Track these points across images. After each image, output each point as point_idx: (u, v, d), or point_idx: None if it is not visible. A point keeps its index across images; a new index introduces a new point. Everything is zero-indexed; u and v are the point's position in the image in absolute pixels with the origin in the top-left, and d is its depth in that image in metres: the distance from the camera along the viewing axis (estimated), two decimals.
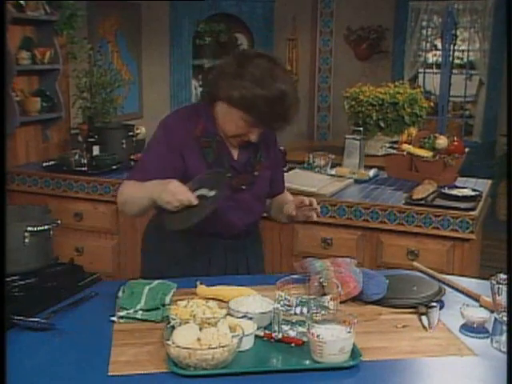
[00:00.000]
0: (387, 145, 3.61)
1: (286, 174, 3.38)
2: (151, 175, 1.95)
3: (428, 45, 6.64)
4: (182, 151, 2.01)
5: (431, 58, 6.98)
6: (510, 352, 1.35)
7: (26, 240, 1.85)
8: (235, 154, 2.08)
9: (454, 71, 6.75)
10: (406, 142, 3.47)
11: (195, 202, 1.79)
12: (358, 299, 1.76)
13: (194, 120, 2.03)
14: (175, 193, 1.80)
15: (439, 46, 6.69)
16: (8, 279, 1.81)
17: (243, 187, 2.07)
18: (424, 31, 6.51)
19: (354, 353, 1.42)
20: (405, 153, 3.39)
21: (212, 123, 2.02)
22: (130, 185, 2.02)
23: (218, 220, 2.03)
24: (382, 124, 4.15)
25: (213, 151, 2.02)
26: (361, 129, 3.68)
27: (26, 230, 1.85)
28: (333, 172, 3.43)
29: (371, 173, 3.45)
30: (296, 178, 3.23)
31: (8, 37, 3.61)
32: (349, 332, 1.41)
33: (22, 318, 1.59)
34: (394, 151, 3.48)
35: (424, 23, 6.45)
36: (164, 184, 1.84)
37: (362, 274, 1.79)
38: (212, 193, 1.84)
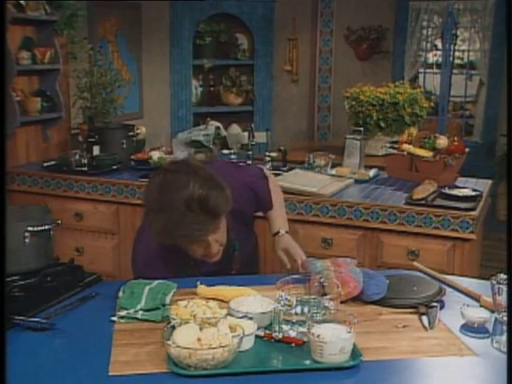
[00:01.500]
0: (387, 145, 3.61)
1: (286, 174, 3.41)
2: None
3: (428, 45, 6.63)
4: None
5: (431, 58, 6.97)
6: (510, 352, 1.35)
7: (27, 240, 1.86)
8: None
9: (454, 71, 6.75)
10: (406, 142, 3.47)
11: None
12: (359, 299, 1.76)
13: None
14: None
15: (439, 46, 6.69)
16: (8, 279, 1.81)
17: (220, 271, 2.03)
18: (424, 31, 6.51)
19: (355, 353, 1.42)
20: (405, 153, 3.39)
21: None
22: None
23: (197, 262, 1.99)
24: (383, 124, 4.15)
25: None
26: (361, 129, 3.68)
27: (27, 230, 1.85)
28: (333, 172, 3.43)
29: (371, 173, 3.45)
30: (296, 178, 3.23)
31: (8, 37, 3.61)
32: (349, 332, 1.41)
33: (22, 318, 1.60)
34: (395, 151, 3.48)
35: (424, 23, 6.45)
36: None
37: (362, 273, 1.78)
38: None
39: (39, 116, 3.94)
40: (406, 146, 3.40)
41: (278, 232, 2.23)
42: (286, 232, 2.24)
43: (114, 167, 3.66)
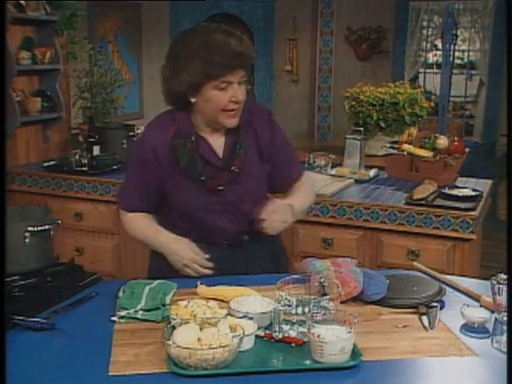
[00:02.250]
0: (387, 145, 3.61)
1: None
2: (136, 205, 2.05)
3: (428, 45, 6.64)
4: (157, 165, 1.97)
5: (431, 58, 6.98)
6: (511, 352, 1.35)
7: (27, 240, 1.85)
8: (218, 149, 1.99)
9: (454, 71, 6.75)
10: (406, 142, 3.47)
11: (204, 271, 1.91)
12: (359, 299, 1.76)
13: (165, 127, 1.98)
14: (183, 258, 1.92)
15: (439, 46, 6.69)
16: (8, 279, 1.80)
17: (220, 188, 1.96)
18: (424, 31, 6.51)
19: (355, 353, 1.42)
20: (405, 153, 3.39)
21: (186, 122, 1.97)
22: (136, 221, 2.06)
23: (205, 227, 2.00)
24: (383, 124, 4.15)
25: (186, 152, 1.94)
26: (361, 129, 3.68)
27: (27, 230, 1.85)
28: (333, 172, 3.43)
29: (371, 173, 3.45)
30: None
31: (8, 37, 3.61)
32: (349, 332, 1.41)
33: (22, 318, 1.59)
34: (395, 151, 3.48)
35: (424, 23, 6.45)
36: (175, 248, 1.94)
37: (362, 273, 1.78)
38: None
39: (39, 116, 3.94)
40: (406, 146, 3.41)
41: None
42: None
43: (115, 167, 3.66)
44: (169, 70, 1.99)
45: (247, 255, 2.05)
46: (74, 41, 4.10)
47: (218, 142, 1.99)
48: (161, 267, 2.02)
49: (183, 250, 1.93)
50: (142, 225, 2.06)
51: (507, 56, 1.65)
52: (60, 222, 1.99)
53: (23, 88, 3.92)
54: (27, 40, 3.88)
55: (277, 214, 1.92)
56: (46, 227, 1.90)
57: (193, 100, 1.92)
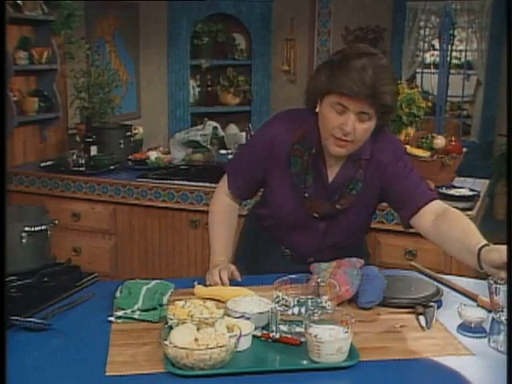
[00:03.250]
0: None
1: None
2: (237, 179, 2.01)
3: (426, 45, 6.64)
4: (267, 158, 1.91)
5: (429, 58, 6.98)
6: (510, 352, 1.35)
7: (24, 240, 1.86)
8: (331, 174, 1.88)
9: (451, 71, 6.75)
10: (403, 142, 3.47)
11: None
12: (355, 301, 1.76)
13: (294, 127, 1.89)
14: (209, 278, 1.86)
15: (437, 46, 6.69)
16: (5, 279, 1.80)
17: (315, 215, 1.90)
18: (422, 31, 6.52)
19: (352, 353, 1.42)
20: None
21: (313, 130, 1.84)
22: (221, 209, 2.05)
23: (285, 241, 2.00)
24: None
25: (302, 161, 1.86)
26: None
27: (24, 230, 1.86)
28: None
29: None
30: None
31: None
32: (346, 332, 1.41)
33: (19, 318, 1.59)
34: None
35: (422, 23, 6.46)
36: (214, 265, 1.91)
37: (361, 276, 1.77)
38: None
39: (36, 116, 3.94)
40: None
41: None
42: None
43: (112, 167, 3.66)
44: (316, 71, 1.85)
45: None
46: (72, 41, 4.10)
47: (334, 166, 1.89)
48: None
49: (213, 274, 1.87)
50: (216, 215, 2.05)
51: (507, 56, 1.65)
52: (57, 222, 1.99)
53: (20, 88, 3.91)
54: (24, 40, 3.88)
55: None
56: (43, 227, 1.91)
57: (316, 109, 1.81)
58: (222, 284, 1.81)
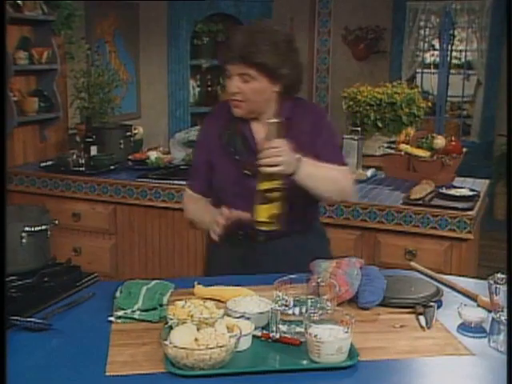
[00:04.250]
0: (385, 145, 3.62)
1: None
2: (197, 186, 2.17)
3: (426, 45, 6.64)
4: (209, 146, 2.11)
5: (429, 58, 6.98)
6: (510, 352, 1.35)
7: (24, 240, 1.85)
8: (258, 135, 2.02)
9: (451, 71, 6.75)
10: (403, 142, 3.47)
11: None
12: (355, 301, 1.76)
13: (221, 108, 2.11)
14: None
15: (437, 46, 6.69)
16: (5, 279, 1.80)
17: (247, 173, 1.99)
18: (422, 31, 6.52)
19: (352, 353, 1.42)
20: (402, 153, 3.39)
21: None
22: (191, 201, 2.18)
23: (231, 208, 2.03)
24: (380, 124, 4.15)
25: (229, 131, 2.05)
26: (359, 129, 3.68)
27: (24, 230, 1.85)
28: None
29: (369, 173, 3.45)
30: None
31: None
32: (346, 332, 1.41)
33: (19, 318, 1.59)
34: (392, 151, 3.49)
35: (422, 23, 6.46)
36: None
37: (361, 276, 1.77)
38: None
39: (36, 116, 3.94)
40: (403, 146, 3.41)
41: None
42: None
43: (112, 167, 3.66)
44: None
45: (261, 252, 2.06)
46: (72, 41, 4.10)
47: (260, 128, 2.02)
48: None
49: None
50: (193, 208, 2.18)
51: (507, 56, 1.66)
52: (57, 222, 1.99)
53: (20, 88, 3.91)
54: (24, 40, 3.88)
55: (276, 149, 1.79)
56: (43, 227, 1.90)
57: None
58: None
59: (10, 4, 3.64)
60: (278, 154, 1.78)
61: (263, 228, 1.85)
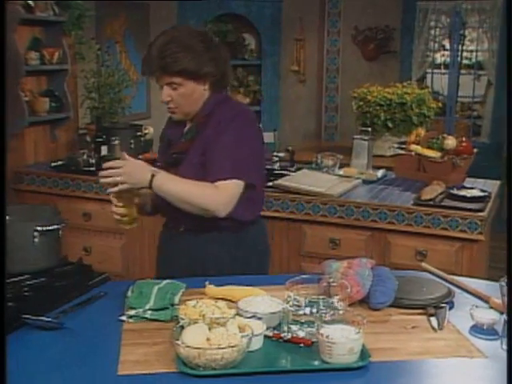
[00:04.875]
0: (395, 145, 3.61)
1: (293, 174, 3.40)
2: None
3: (436, 45, 6.61)
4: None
5: (439, 58, 6.95)
6: (510, 351, 1.34)
7: (36, 239, 1.86)
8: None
9: (462, 71, 6.72)
10: (414, 143, 3.46)
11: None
12: (366, 302, 1.76)
13: None
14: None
15: (447, 46, 6.66)
16: (17, 279, 1.81)
17: (158, 164, 2.12)
18: (432, 31, 6.49)
19: (363, 353, 1.42)
20: (413, 153, 3.38)
21: None
22: None
23: (159, 206, 2.14)
24: (390, 124, 4.15)
25: (164, 128, 2.25)
26: (369, 129, 3.67)
27: (36, 230, 1.86)
28: (341, 172, 3.42)
29: (379, 173, 3.44)
30: (304, 178, 3.23)
31: (17, 37, 3.62)
32: (358, 333, 1.41)
33: (31, 316, 1.60)
34: (403, 152, 3.48)
35: (432, 23, 6.43)
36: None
37: (373, 277, 1.77)
38: None
39: (47, 116, 3.95)
40: (413, 147, 3.40)
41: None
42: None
43: None
44: None
45: (184, 243, 2.12)
46: (82, 41, 4.11)
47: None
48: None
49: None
50: None
51: (507, 56, 1.66)
52: (68, 221, 2.00)
53: (31, 88, 3.93)
54: (35, 40, 3.89)
55: (121, 165, 1.92)
56: (55, 227, 1.91)
57: None
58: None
59: (22, 5, 3.66)
60: (114, 175, 1.91)
61: (122, 226, 2.11)
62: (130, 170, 1.92)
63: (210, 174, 1.97)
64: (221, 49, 2.09)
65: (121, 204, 2.01)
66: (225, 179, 1.95)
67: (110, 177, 1.92)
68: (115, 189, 1.94)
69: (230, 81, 2.17)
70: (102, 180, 1.95)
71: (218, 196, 1.94)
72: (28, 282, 1.81)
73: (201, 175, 1.98)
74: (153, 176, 1.92)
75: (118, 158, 1.97)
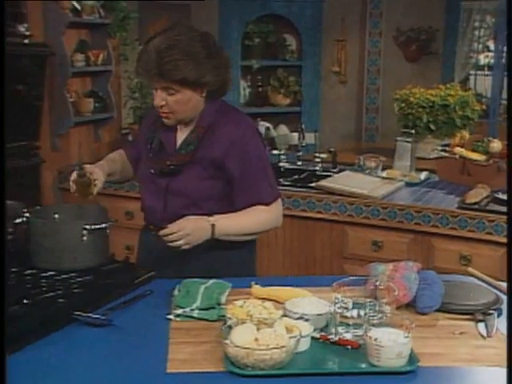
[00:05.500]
0: (439, 148, 3.57)
1: (336, 175, 3.39)
2: (128, 150, 2.33)
3: (480, 46, 6.50)
4: (142, 134, 2.18)
5: (483, 59, 6.83)
6: (510, 352, 1.32)
7: (84, 238, 1.89)
8: (180, 139, 2.05)
9: (506, 73, 6.60)
10: (458, 145, 3.42)
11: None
12: (412, 306, 1.74)
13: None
14: None
15: (492, 47, 6.55)
16: (66, 276, 1.85)
17: (151, 171, 2.07)
18: (476, 32, 6.38)
19: (412, 358, 1.41)
20: (457, 156, 3.34)
21: None
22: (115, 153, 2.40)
23: (144, 202, 2.15)
24: (433, 126, 4.09)
25: (151, 130, 2.11)
26: (413, 131, 3.64)
27: (84, 229, 1.88)
28: (384, 174, 3.40)
29: (422, 176, 3.41)
30: (347, 180, 3.22)
31: (64, 40, 3.71)
32: (406, 337, 1.40)
33: (81, 313, 1.63)
34: (446, 154, 3.43)
35: (476, 24, 6.32)
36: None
37: (419, 280, 1.75)
38: None
39: (91, 116, 4.02)
40: (458, 150, 3.36)
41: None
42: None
43: None
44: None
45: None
46: (126, 42, 4.17)
47: (182, 135, 2.06)
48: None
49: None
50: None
51: (507, 56, 1.64)
52: (116, 220, 2.03)
53: (76, 89, 4.00)
54: (82, 43, 3.97)
55: (180, 229, 1.89)
56: (103, 226, 1.94)
57: None
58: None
59: (70, 9, 3.73)
60: (178, 239, 1.88)
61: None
62: (191, 231, 1.90)
63: (252, 197, 2.02)
64: (222, 54, 2.00)
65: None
66: (271, 202, 2.05)
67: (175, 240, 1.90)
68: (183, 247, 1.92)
69: (229, 88, 2.06)
70: (170, 244, 1.91)
71: (275, 218, 2.09)
72: (77, 280, 1.84)
73: (208, 188, 2.02)
74: (212, 226, 1.94)
75: None
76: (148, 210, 2.14)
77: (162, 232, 1.90)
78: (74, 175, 2.02)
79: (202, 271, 1.94)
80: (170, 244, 1.90)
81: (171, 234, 1.89)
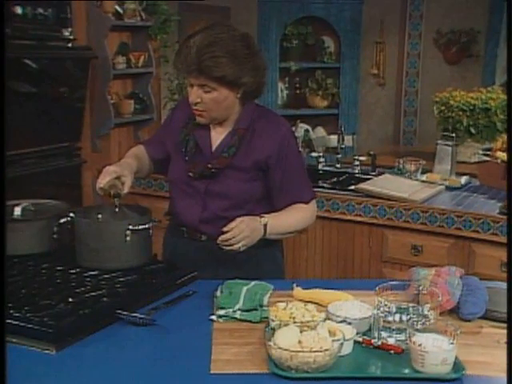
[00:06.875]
0: (480, 152, 3.52)
1: (375, 178, 3.37)
2: (151, 150, 2.25)
3: None
4: (172, 132, 2.13)
5: None
6: (510, 352, 1.30)
7: (128, 238, 1.91)
8: (215, 141, 2.05)
9: None
10: (500, 150, 3.37)
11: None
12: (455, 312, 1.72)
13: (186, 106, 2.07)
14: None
15: None
16: (109, 275, 1.87)
17: (190, 174, 2.05)
18: None
19: (457, 365, 1.39)
20: (499, 161, 3.29)
21: None
22: (136, 149, 2.33)
23: (177, 205, 2.16)
24: (473, 130, 4.03)
25: (186, 131, 2.07)
26: (453, 135, 3.60)
27: (128, 229, 1.91)
28: (424, 178, 3.36)
29: (463, 180, 3.36)
30: (386, 183, 3.20)
31: (107, 43, 3.77)
32: (451, 343, 1.39)
33: (125, 312, 1.65)
34: (488, 158, 3.39)
35: None
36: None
37: (462, 286, 1.74)
38: None
39: (132, 117, 4.08)
40: (500, 154, 3.31)
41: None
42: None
43: None
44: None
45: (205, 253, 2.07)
46: (167, 45, 4.22)
47: (220, 134, 2.05)
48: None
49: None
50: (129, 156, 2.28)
51: (507, 56, 1.61)
52: (160, 221, 2.06)
53: (117, 91, 4.06)
54: (123, 45, 4.03)
55: (240, 232, 1.89)
56: (146, 226, 1.96)
57: None
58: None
59: (112, 13, 3.80)
60: (236, 242, 1.89)
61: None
62: (250, 233, 1.91)
63: (294, 197, 2.07)
64: (261, 56, 2.01)
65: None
66: (310, 201, 2.11)
67: (228, 245, 1.91)
68: (239, 248, 1.92)
69: (263, 91, 2.05)
70: (225, 248, 1.92)
71: (312, 215, 2.14)
72: (120, 279, 1.86)
73: (249, 190, 2.04)
74: (265, 226, 1.97)
75: None
76: (182, 213, 2.14)
77: (222, 237, 1.89)
78: (101, 182, 1.98)
79: (235, 272, 1.96)
80: (228, 248, 1.90)
81: (231, 238, 1.89)
